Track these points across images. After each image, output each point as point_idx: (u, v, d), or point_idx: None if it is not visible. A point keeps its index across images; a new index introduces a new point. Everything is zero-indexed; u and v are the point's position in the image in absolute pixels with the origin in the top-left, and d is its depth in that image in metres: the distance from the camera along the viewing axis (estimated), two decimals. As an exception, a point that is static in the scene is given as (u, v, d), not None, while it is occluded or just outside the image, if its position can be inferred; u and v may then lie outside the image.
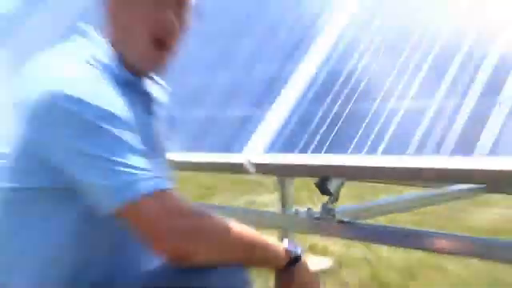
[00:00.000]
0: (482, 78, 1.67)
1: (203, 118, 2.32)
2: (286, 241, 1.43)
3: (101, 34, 1.50)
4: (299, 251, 1.41)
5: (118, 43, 1.48)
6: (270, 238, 1.40)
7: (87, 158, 1.28)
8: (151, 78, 1.58)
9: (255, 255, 1.38)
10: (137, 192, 1.25)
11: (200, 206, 1.36)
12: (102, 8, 1.50)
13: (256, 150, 1.99)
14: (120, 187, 1.25)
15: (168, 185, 1.29)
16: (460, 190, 2.51)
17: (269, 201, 5.48)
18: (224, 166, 2.11)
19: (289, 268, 1.41)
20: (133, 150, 1.30)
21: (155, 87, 1.61)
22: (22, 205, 1.40)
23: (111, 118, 1.30)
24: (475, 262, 3.17)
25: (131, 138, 1.32)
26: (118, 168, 1.26)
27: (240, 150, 2.03)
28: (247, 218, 2.06)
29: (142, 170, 1.27)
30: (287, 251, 1.38)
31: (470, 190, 2.72)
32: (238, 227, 1.34)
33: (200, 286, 1.27)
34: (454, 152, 1.57)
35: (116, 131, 1.30)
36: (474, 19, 1.89)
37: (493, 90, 1.64)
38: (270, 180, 4.86)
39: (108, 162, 1.27)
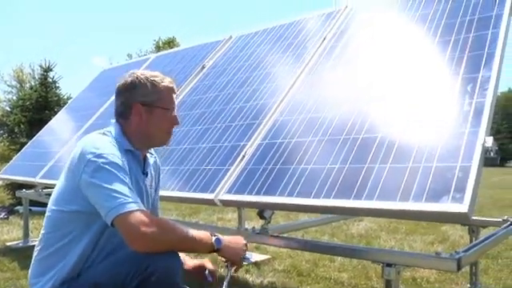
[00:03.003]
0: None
1: (191, 170, 2.30)
2: (213, 238, 1.38)
3: (118, 123, 1.51)
4: (220, 245, 1.38)
5: (135, 134, 1.48)
6: (204, 235, 1.37)
7: (97, 187, 1.30)
8: (148, 152, 1.58)
9: (187, 246, 1.36)
10: (123, 210, 1.25)
11: (158, 218, 1.34)
12: (124, 115, 1.50)
13: (221, 192, 1.99)
14: (114, 207, 1.26)
15: (140, 206, 1.28)
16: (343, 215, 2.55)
17: (231, 217, 5.42)
18: (202, 201, 2.09)
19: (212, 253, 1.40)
20: (124, 184, 1.30)
21: (150, 157, 1.60)
22: (64, 221, 1.40)
23: (114, 164, 1.33)
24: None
25: (124, 177, 1.32)
26: (114, 194, 1.27)
27: (213, 191, 2.03)
28: (216, 231, 2.03)
29: (128, 197, 1.28)
30: (212, 244, 1.37)
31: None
32: (178, 230, 1.32)
33: (149, 263, 1.27)
34: (336, 196, 1.62)
35: (116, 172, 1.31)
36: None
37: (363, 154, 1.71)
38: (233, 204, 4.77)
39: (108, 190, 1.28)
